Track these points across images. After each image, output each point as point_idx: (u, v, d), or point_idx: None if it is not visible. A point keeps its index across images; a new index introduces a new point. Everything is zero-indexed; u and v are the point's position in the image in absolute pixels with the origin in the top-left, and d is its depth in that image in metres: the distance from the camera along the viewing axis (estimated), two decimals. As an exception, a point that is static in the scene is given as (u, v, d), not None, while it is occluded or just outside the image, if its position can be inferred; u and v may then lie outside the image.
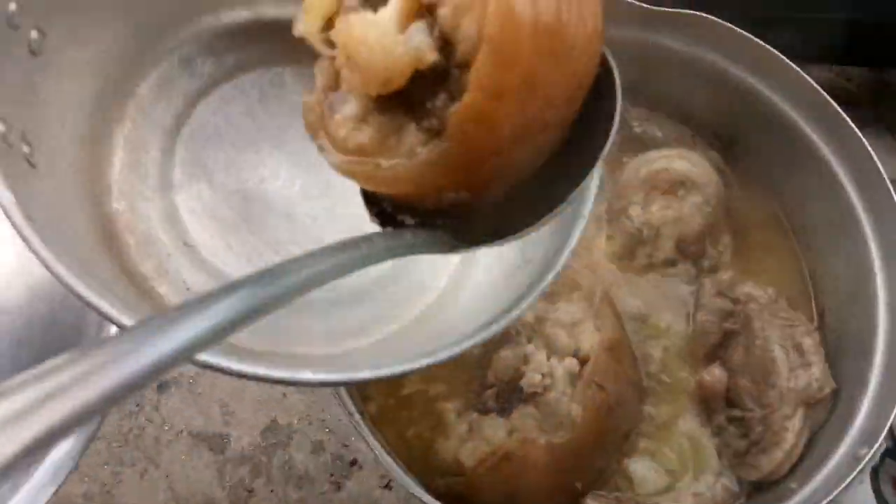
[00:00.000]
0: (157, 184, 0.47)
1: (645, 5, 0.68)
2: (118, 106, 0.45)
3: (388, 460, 0.56)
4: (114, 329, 0.47)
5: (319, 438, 1.20)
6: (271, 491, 1.10)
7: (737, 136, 0.78)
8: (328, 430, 1.21)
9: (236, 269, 0.47)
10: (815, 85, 0.67)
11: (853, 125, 0.65)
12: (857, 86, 1.53)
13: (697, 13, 0.69)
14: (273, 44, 0.49)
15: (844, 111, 1.63)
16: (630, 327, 0.73)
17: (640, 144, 0.80)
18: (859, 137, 0.65)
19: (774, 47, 1.38)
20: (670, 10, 0.68)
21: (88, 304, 0.32)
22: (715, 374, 0.68)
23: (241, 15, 0.48)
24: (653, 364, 0.72)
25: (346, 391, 0.60)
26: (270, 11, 0.49)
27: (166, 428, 1.18)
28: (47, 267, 0.31)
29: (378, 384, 0.72)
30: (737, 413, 0.67)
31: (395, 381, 0.71)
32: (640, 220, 0.73)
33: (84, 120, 0.43)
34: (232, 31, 0.48)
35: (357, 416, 0.57)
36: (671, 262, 0.74)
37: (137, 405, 1.19)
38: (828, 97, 0.66)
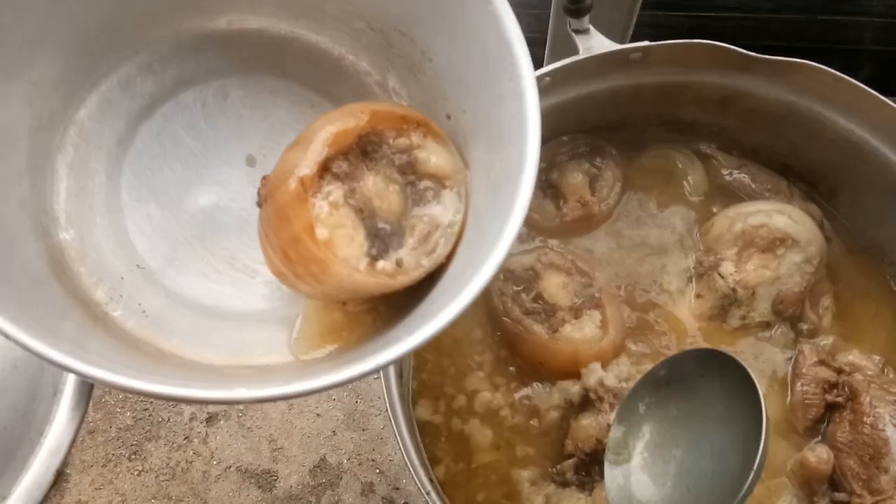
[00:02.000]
0: (105, 209, 0.46)
1: (747, 52, 0.64)
2: (59, 134, 0.45)
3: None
4: (70, 379, 0.47)
5: (370, 480, 1.16)
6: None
7: (838, 189, 0.72)
8: (379, 472, 1.18)
9: (191, 287, 0.46)
10: None
11: None
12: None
13: (801, 60, 0.64)
14: (213, 57, 0.48)
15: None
16: (721, 395, 0.67)
17: (730, 194, 0.75)
18: None
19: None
20: (775, 57, 0.64)
21: (26, 349, 0.32)
22: (821, 455, 0.62)
23: (179, 30, 0.47)
24: (746, 436, 0.66)
25: (416, 455, 0.56)
26: (208, 24, 0.48)
27: (215, 462, 1.15)
28: None
29: (448, 447, 0.68)
30: (842, 497, 0.61)
31: (466, 447, 0.67)
32: (733, 278, 0.68)
33: (23, 152, 0.42)
34: (170, 47, 0.47)
35: (427, 485, 0.53)
36: (766, 325, 0.69)
37: (186, 438, 1.16)
38: None
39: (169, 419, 1.18)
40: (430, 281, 0.43)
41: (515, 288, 0.69)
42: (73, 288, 0.43)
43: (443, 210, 0.44)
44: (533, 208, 0.74)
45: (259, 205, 0.43)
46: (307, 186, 0.39)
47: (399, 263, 0.42)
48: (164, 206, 0.47)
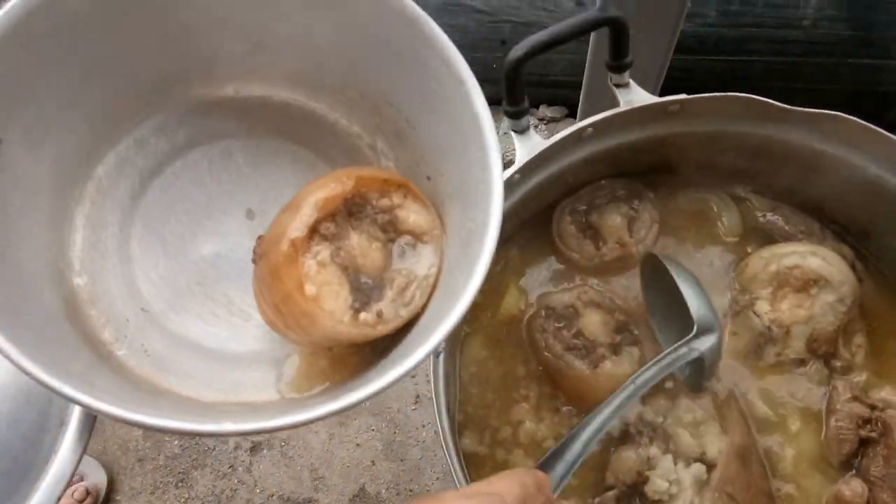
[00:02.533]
0: (117, 258, 0.50)
1: (779, 104, 0.67)
2: (78, 189, 0.49)
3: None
4: (76, 412, 0.51)
5: (407, 510, 1.19)
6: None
7: (869, 231, 0.75)
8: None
9: (191, 329, 0.50)
10: None
11: None
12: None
13: (833, 112, 0.67)
14: (220, 120, 0.53)
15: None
16: (757, 430, 0.70)
17: (764, 236, 0.78)
18: None
19: (888, 123, 1.36)
20: (805, 109, 0.67)
21: (41, 383, 0.36)
22: (855, 489, 0.64)
23: (190, 96, 0.52)
24: (783, 472, 0.69)
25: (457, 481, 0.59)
26: (217, 92, 0.53)
27: (258, 490, 1.19)
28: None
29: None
30: (879, 531, 0.63)
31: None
32: (768, 317, 0.71)
33: (45, 206, 0.46)
34: (182, 111, 0.52)
35: None
36: (801, 362, 0.72)
37: (230, 467, 1.21)
38: None
39: (215, 448, 1.22)
40: (408, 327, 0.47)
41: (557, 325, 0.72)
42: (84, 329, 0.47)
43: (419, 264, 0.48)
44: (573, 248, 0.78)
45: (254, 262, 0.47)
46: (298, 248, 0.44)
47: (380, 314, 0.46)
48: (170, 254, 0.51)
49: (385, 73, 0.49)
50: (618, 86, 0.69)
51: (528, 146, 0.68)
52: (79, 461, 0.50)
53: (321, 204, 0.45)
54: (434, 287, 0.48)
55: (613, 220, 0.77)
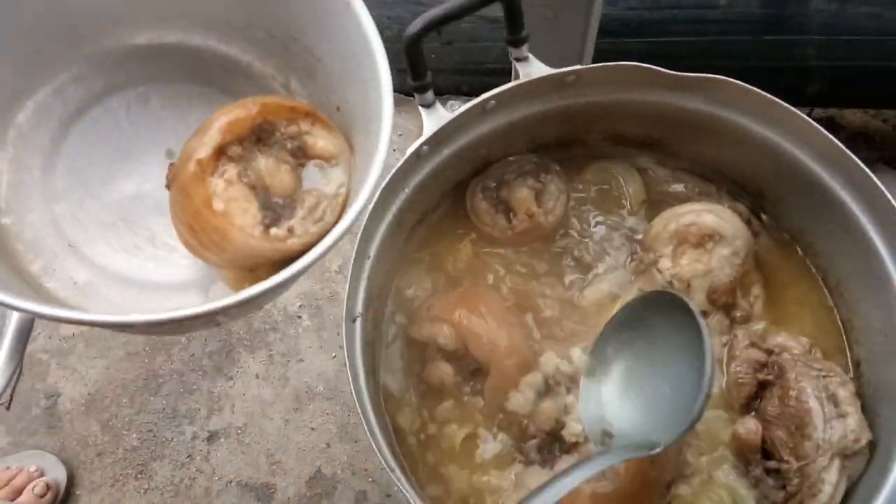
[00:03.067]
0: (41, 197, 0.54)
1: (669, 71, 0.72)
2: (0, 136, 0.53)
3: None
4: (13, 316, 0.56)
5: (363, 489, 1.22)
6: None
7: (764, 191, 0.80)
8: (371, 481, 1.24)
9: (117, 262, 0.55)
10: (837, 141, 0.69)
11: (876, 179, 0.67)
12: (892, 126, 1.54)
13: (717, 77, 0.72)
14: (136, 67, 0.57)
15: (879, 149, 1.63)
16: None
17: (665, 202, 0.83)
18: (882, 191, 0.66)
19: (809, 96, 1.41)
20: (692, 74, 0.72)
21: None
22: (750, 426, 0.69)
23: (104, 46, 0.56)
24: (689, 415, 0.73)
25: (390, 453, 0.63)
26: (131, 40, 0.56)
27: (217, 478, 1.22)
28: None
29: (421, 444, 0.74)
30: (773, 465, 0.68)
31: (438, 439, 0.74)
32: (670, 272, 0.76)
33: None
34: (98, 60, 0.56)
35: (398, 472, 0.60)
36: (703, 314, 0.76)
37: (188, 456, 1.23)
38: (850, 153, 0.68)
39: (172, 439, 1.25)
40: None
41: (419, 361, 0.76)
42: (12, 263, 0.51)
43: (329, 185, 0.53)
44: (487, 223, 0.82)
45: (167, 187, 0.51)
46: (204, 167, 0.48)
47: (290, 230, 0.50)
48: (93, 194, 0.55)
49: (286, 8, 0.53)
50: (517, 59, 0.74)
51: (435, 119, 0.72)
52: (11, 377, 0.55)
53: (226, 127, 0.49)
54: (343, 205, 0.52)
55: (521, 193, 0.81)
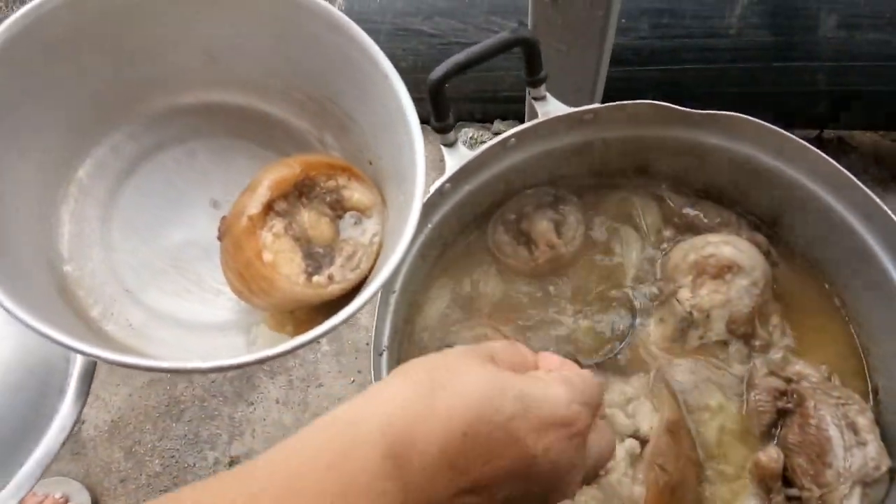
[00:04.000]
0: (99, 247, 0.58)
1: (684, 109, 0.74)
2: (63, 189, 0.58)
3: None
4: (74, 376, 0.61)
5: None
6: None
7: (780, 219, 0.82)
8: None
9: (167, 305, 0.58)
10: (844, 170, 0.71)
11: (883, 205, 0.68)
12: (903, 145, 1.55)
13: (731, 114, 0.74)
14: (183, 124, 0.61)
15: (889, 168, 1.64)
16: (685, 407, 0.76)
17: (684, 230, 0.84)
18: (890, 216, 0.68)
19: (818, 119, 1.43)
20: (706, 112, 0.74)
21: (47, 337, 0.43)
22: (771, 454, 0.70)
23: (154, 106, 0.60)
24: (710, 444, 0.74)
25: None
26: (178, 100, 0.61)
27: None
28: (13, 315, 0.43)
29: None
30: (794, 492, 0.69)
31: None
32: (690, 303, 0.77)
33: (35, 205, 0.55)
34: (148, 119, 0.61)
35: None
36: (723, 344, 0.78)
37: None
38: (856, 181, 0.70)
39: (195, 464, 1.26)
40: (359, 289, 0.56)
41: None
42: (75, 307, 0.55)
43: (364, 235, 0.57)
44: (509, 255, 0.84)
45: (219, 238, 0.55)
46: (255, 222, 0.52)
47: (331, 277, 0.54)
48: (146, 242, 0.60)
49: (323, 75, 0.58)
50: (536, 99, 0.76)
51: (457, 157, 0.74)
52: (77, 418, 0.61)
53: (273, 185, 0.53)
54: (378, 253, 0.57)
55: (541, 226, 0.83)
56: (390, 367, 0.70)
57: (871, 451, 0.67)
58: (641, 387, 0.77)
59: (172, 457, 1.28)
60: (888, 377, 0.73)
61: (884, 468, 0.66)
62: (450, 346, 0.78)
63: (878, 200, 0.69)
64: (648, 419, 0.73)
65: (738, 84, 1.28)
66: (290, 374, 1.32)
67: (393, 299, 0.72)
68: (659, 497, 0.67)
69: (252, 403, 1.30)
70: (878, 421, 0.71)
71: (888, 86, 1.31)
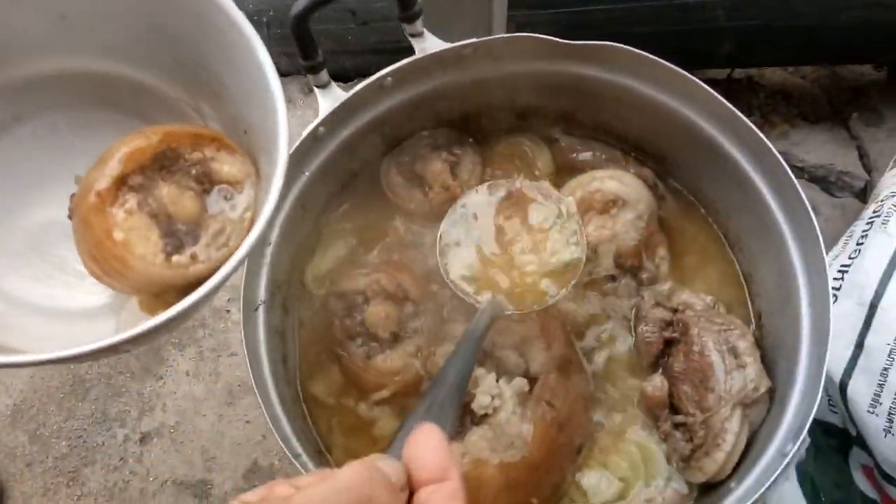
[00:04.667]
0: None
1: (564, 41, 0.72)
2: None
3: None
4: None
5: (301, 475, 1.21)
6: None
7: (665, 154, 0.81)
8: (309, 469, 1.23)
9: (27, 291, 0.55)
10: (728, 103, 0.70)
11: (764, 138, 0.69)
12: (810, 82, 1.58)
13: (610, 44, 0.72)
14: (44, 95, 0.56)
15: (798, 106, 1.66)
16: (576, 342, 0.76)
17: (575, 170, 0.84)
18: (771, 149, 0.68)
19: (723, 57, 1.42)
20: (586, 42, 0.72)
21: None
22: (656, 384, 0.71)
23: (10, 75, 0.55)
24: (601, 378, 0.75)
25: (299, 442, 0.63)
26: (38, 68, 0.56)
27: (151, 479, 1.20)
28: None
29: (341, 426, 0.74)
30: (680, 419, 0.70)
31: (362, 423, 0.73)
32: (577, 240, 0.77)
33: None
34: (2, 89, 0.55)
35: (304, 457, 0.60)
36: (612, 278, 0.78)
37: (121, 459, 1.20)
38: (738, 112, 0.70)
39: (104, 443, 1.22)
40: None
41: (343, 311, 0.75)
42: None
43: (234, 209, 0.53)
44: (403, 198, 0.81)
45: (69, 217, 0.50)
46: (104, 198, 0.48)
47: (193, 257, 0.50)
48: (4, 225, 0.55)
49: (190, 39, 0.53)
50: (413, 35, 0.73)
51: (331, 99, 0.71)
52: None
53: (126, 157, 0.49)
54: (250, 229, 0.52)
55: (435, 166, 0.81)
56: (270, 323, 0.68)
57: (751, 373, 0.68)
58: (533, 326, 0.76)
59: (80, 437, 1.23)
60: (768, 302, 0.74)
61: (762, 389, 0.68)
62: (344, 294, 0.76)
63: (756, 130, 0.69)
64: (539, 358, 0.73)
65: (644, 23, 1.27)
66: (199, 346, 1.28)
67: (268, 251, 0.69)
68: (546, 432, 0.67)
69: (161, 377, 1.26)
70: (760, 345, 0.72)
71: (787, 20, 1.31)
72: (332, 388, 0.75)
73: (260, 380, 0.62)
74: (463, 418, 0.71)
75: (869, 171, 1.27)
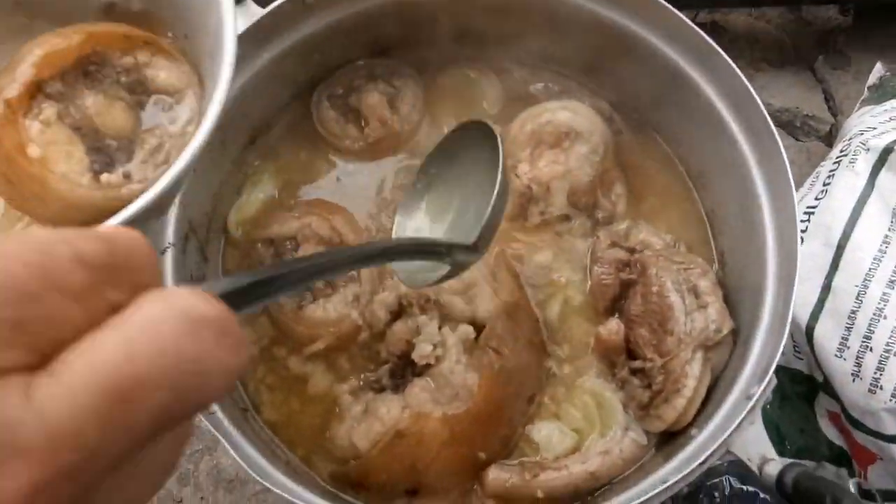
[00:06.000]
0: None
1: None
2: None
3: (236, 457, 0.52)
4: None
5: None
6: (201, 498, 1.06)
7: (620, 79, 0.75)
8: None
9: None
10: (694, 26, 0.64)
11: (733, 64, 0.63)
12: (775, 26, 1.53)
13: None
14: None
15: (763, 50, 1.61)
16: (528, 286, 0.70)
17: (529, 102, 0.77)
18: (740, 77, 0.62)
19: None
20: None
21: None
22: (611, 328, 0.65)
23: None
24: (554, 324, 0.69)
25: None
26: None
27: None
28: None
29: (270, 382, 0.68)
30: (638, 364, 0.65)
31: (294, 379, 0.67)
32: (528, 176, 0.70)
33: None
34: None
35: (220, 414, 0.54)
36: (566, 218, 0.72)
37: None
38: (706, 36, 0.63)
39: None
40: None
41: (272, 258, 0.68)
42: None
43: (174, 122, 0.46)
44: (336, 134, 0.74)
45: None
46: (14, 108, 0.41)
47: (127, 176, 0.43)
48: None
49: None
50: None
51: (247, 16, 0.63)
52: None
53: (41, 61, 0.42)
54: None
55: (372, 99, 0.73)
56: (185, 270, 0.61)
57: (712, 314, 0.63)
58: (481, 271, 0.70)
59: None
60: (732, 238, 0.69)
61: (725, 330, 0.63)
62: (271, 239, 0.69)
63: (724, 55, 0.63)
64: (487, 304, 0.67)
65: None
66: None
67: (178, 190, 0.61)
68: (494, 382, 0.62)
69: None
70: (723, 284, 0.67)
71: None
72: (260, 342, 0.69)
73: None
74: (404, 370, 0.66)
75: (835, 115, 1.22)
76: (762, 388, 0.53)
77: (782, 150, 0.60)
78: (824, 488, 0.44)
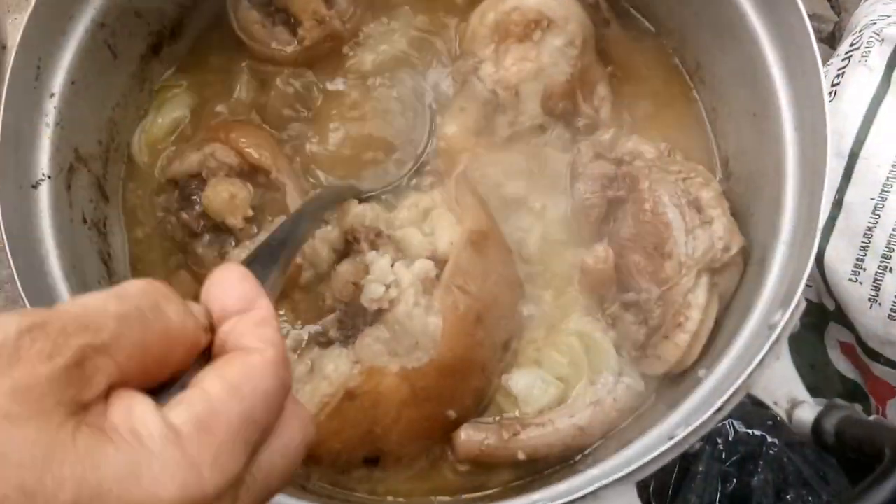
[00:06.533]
0: None
1: None
2: None
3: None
4: None
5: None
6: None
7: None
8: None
9: None
10: None
11: None
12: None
13: None
14: None
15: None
16: (499, 213, 0.59)
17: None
18: None
19: None
20: None
21: None
22: (598, 255, 0.55)
23: None
24: (531, 255, 0.59)
25: None
26: None
27: None
28: None
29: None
30: (631, 297, 0.55)
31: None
32: (492, 80, 0.59)
33: None
34: None
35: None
36: (540, 128, 0.61)
37: None
38: None
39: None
40: None
41: (178, 203, 0.57)
42: None
43: None
44: (261, 40, 0.62)
45: None
46: None
47: None
48: None
49: None
50: None
51: None
52: None
53: None
54: None
55: (304, -7, 0.61)
56: (63, 209, 0.49)
57: (719, 230, 0.53)
58: (442, 196, 0.59)
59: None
60: (738, 139, 0.59)
61: (734, 248, 0.53)
62: (174, 179, 0.57)
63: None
64: (449, 234, 0.56)
65: None
66: None
67: (51, 105, 0.48)
68: (460, 325, 0.51)
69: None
70: (729, 196, 0.56)
71: None
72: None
73: (34, 283, 0.44)
74: (354, 319, 0.55)
75: (839, 13, 1.11)
76: (788, 313, 0.43)
77: (809, 28, 0.48)
78: (879, 436, 0.34)
